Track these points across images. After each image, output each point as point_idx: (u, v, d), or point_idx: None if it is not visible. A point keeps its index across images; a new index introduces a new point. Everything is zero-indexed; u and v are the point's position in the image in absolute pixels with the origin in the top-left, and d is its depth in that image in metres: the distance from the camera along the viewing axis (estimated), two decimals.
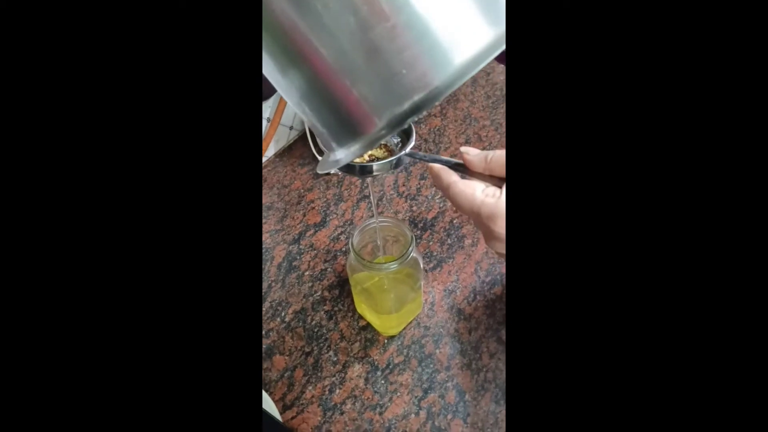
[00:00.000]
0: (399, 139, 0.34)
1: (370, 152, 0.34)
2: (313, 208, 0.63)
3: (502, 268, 0.54)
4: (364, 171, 0.31)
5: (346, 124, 0.25)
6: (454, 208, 0.61)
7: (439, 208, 0.61)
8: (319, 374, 0.47)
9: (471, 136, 0.71)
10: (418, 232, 0.58)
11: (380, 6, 0.21)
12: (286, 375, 0.47)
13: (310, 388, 0.46)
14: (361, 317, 0.51)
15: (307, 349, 0.49)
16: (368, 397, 0.45)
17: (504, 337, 0.48)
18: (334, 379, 0.46)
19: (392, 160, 0.31)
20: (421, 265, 0.45)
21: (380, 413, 0.44)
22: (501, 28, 0.22)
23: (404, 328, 0.49)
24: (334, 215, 0.62)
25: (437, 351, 0.48)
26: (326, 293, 0.53)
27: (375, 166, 0.31)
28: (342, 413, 0.44)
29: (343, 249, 0.58)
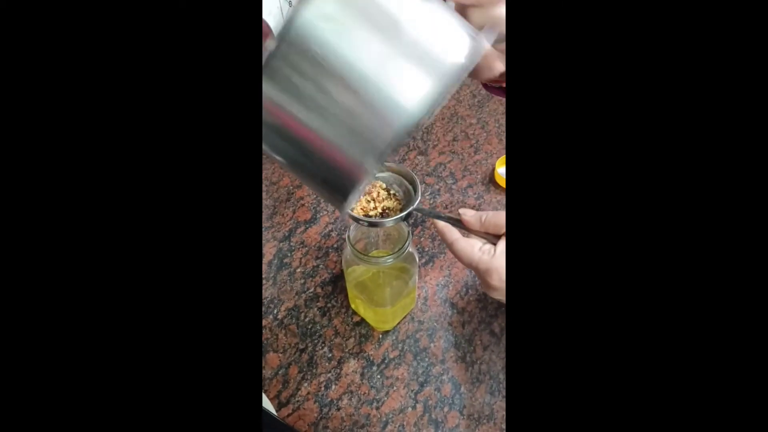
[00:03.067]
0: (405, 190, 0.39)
1: (382, 205, 0.38)
2: (303, 205, 0.63)
3: None
4: (375, 225, 0.37)
5: (342, 182, 0.26)
6: (447, 209, 0.62)
7: (430, 204, 0.62)
8: (314, 371, 0.47)
9: (458, 134, 0.72)
10: (410, 228, 0.59)
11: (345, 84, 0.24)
12: (280, 372, 0.46)
13: (306, 384, 0.46)
14: (355, 313, 0.51)
15: (301, 346, 0.48)
16: (364, 392, 0.45)
17: (496, 330, 0.49)
18: (329, 375, 0.46)
19: (402, 216, 0.36)
20: (417, 260, 0.45)
21: (377, 408, 0.44)
22: (441, 79, 0.24)
23: (398, 323, 0.50)
24: (325, 212, 0.61)
25: (432, 345, 0.48)
26: (319, 290, 0.53)
27: (387, 222, 0.36)
28: (339, 409, 0.44)
29: (335, 245, 0.57)
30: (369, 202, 0.38)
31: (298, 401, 0.45)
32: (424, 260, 0.55)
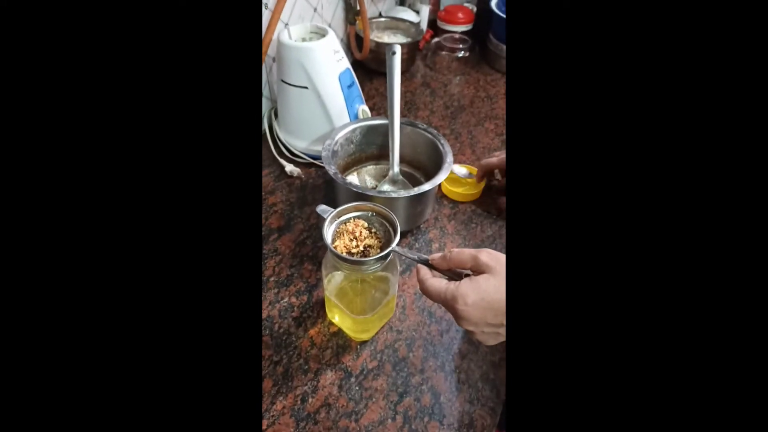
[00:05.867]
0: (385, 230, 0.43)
1: (364, 242, 0.41)
2: (276, 211, 0.61)
3: None
4: (356, 263, 0.39)
5: None
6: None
7: None
8: (289, 384, 0.45)
9: None
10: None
11: None
12: None
13: (281, 398, 0.44)
14: (331, 323, 0.49)
15: (275, 358, 0.46)
16: (343, 405, 0.44)
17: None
18: (306, 387, 0.45)
19: (380, 256, 0.39)
20: (398, 268, 0.45)
21: (356, 420, 0.43)
22: None
23: (377, 333, 0.49)
24: (299, 219, 0.60)
25: (411, 354, 0.48)
26: (294, 299, 0.51)
27: (368, 261, 0.39)
28: (316, 423, 0.42)
29: (310, 254, 0.56)
30: (351, 240, 0.41)
31: (273, 416, 0.43)
32: (401, 269, 0.55)
